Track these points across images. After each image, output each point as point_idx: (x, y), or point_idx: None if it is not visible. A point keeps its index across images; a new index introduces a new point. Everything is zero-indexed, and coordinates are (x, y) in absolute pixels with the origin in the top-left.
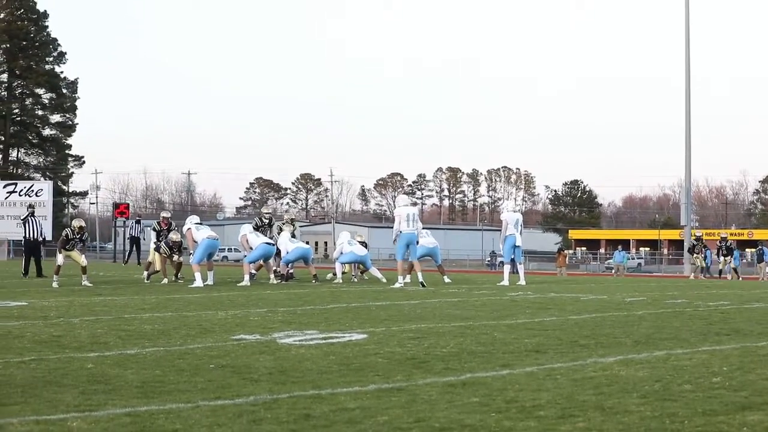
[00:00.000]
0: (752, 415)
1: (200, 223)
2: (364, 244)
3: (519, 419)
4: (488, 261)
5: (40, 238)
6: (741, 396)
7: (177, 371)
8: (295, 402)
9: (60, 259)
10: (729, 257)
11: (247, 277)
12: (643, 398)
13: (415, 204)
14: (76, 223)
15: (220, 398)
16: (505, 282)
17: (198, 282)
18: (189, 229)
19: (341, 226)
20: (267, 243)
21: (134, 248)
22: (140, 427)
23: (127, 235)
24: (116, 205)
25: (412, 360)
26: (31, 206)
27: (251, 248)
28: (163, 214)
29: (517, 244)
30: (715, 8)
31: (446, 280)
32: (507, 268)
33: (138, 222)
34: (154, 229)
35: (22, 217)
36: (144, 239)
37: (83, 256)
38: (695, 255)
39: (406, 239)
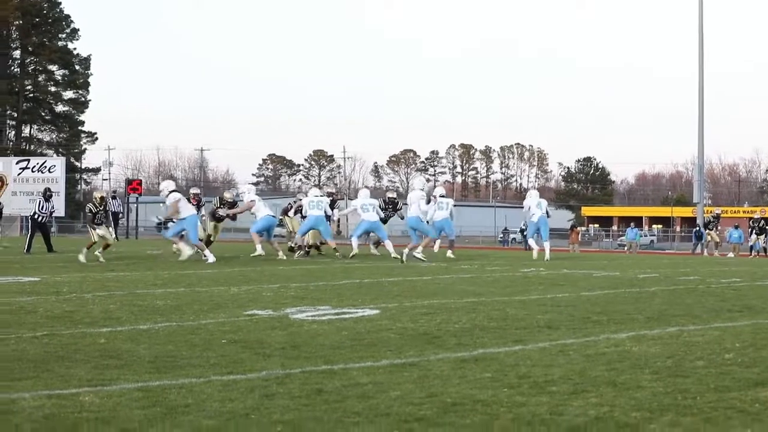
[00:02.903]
0: (764, 391)
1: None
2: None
3: (531, 395)
4: (501, 237)
5: (48, 220)
6: (753, 372)
7: (189, 346)
8: (308, 377)
9: (95, 235)
10: (763, 236)
11: (259, 246)
12: (656, 374)
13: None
14: (96, 194)
15: (232, 373)
16: (548, 256)
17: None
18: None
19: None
20: (270, 215)
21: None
22: (152, 401)
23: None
24: (129, 181)
25: (425, 335)
26: (48, 190)
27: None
28: (193, 190)
29: (537, 224)
30: None
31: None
32: (547, 245)
33: (114, 197)
34: (90, 211)
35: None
36: (122, 215)
37: (111, 230)
38: (710, 231)
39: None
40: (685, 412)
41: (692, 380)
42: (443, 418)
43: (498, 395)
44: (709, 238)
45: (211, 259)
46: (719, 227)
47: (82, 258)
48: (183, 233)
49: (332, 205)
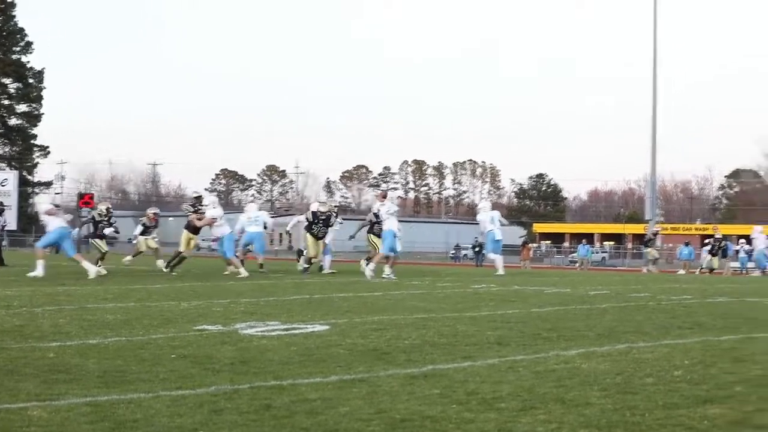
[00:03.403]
0: (713, 408)
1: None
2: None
3: (480, 411)
4: (452, 253)
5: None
6: (702, 389)
7: (138, 361)
8: (256, 392)
9: (103, 246)
10: (722, 257)
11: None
12: (604, 391)
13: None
14: (102, 206)
15: (181, 388)
16: (501, 272)
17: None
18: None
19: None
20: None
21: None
22: (101, 416)
23: None
24: (81, 195)
25: (374, 351)
26: (0, 204)
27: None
28: (151, 210)
29: (497, 239)
30: (683, 3)
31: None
32: (498, 258)
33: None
34: (144, 225)
35: None
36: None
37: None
38: (649, 248)
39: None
40: (633, 429)
41: (641, 397)
42: None
43: (447, 412)
44: (649, 255)
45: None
46: (658, 244)
47: (93, 274)
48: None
49: (328, 222)
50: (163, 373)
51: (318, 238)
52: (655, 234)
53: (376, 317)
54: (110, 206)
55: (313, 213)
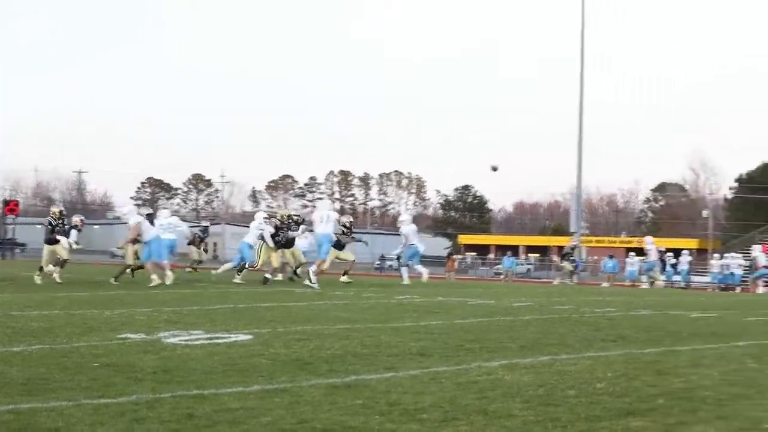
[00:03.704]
0: (635, 421)
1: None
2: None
3: (402, 422)
4: (378, 264)
5: None
6: (624, 402)
7: (61, 369)
8: (178, 401)
9: (65, 253)
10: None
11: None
12: (527, 403)
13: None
14: (54, 208)
15: (104, 397)
16: (425, 277)
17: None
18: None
19: (231, 228)
20: (158, 236)
21: None
22: (23, 424)
23: None
24: (6, 202)
25: (297, 361)
26: None
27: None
28: (77, 217)
29: (419, 251)
30: (608, 14)
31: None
32: (422, 269)
33: None
34: (78, 229)
35: None
36: None
37: (66, 249)
38: (564, 262)
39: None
40: None
41: (563, 409)
42: None
43: (369, 422)
44: (564, 268)
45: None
46: (583, 257)
47: (58, 278)
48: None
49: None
50: (86, 381)
51: (280, 246)
52: (573, 248)
53: (300, 327)
54: (63, 209)
55: (281, 221)
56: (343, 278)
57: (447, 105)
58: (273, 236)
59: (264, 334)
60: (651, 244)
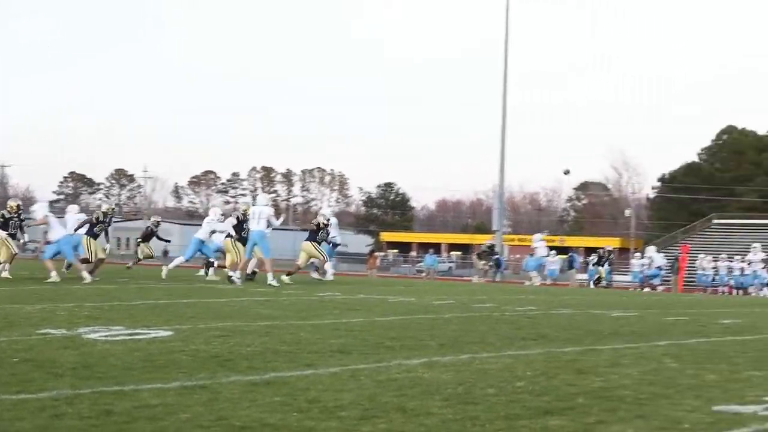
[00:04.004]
0: (554, 420)
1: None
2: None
3: (321, 419)
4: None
5: None
6: (544, 401)
7: None
8: (98, 397)
9: (13, 246)
10: (568, 268)
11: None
12: (446, 401)
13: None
14: (12, 202)
15: (23, 392)
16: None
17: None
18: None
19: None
20: (69, 234)
21: None
22: None
23: None
24: None
25: (217, 358)
26: None
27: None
28: (11, 202)
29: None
30: (530, 16)
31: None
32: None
33: None
34: (3, 217)
35: None
36: None
37: (14, 244)
38: (483, 261)
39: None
40: None
41: (482, 407)
42: None
43: (287, 419)
44: (479, 266)
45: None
46: (498, 255)
47: (6, 274)
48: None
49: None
50: (5, 376)
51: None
52: (490, 247)
53: (220, 324)
54: (20, 203)
55: (244, 214)
56: (285, 277)
57: (370, 102)
58: (236, 230)
59: (184, 330)
60: (539, 241)
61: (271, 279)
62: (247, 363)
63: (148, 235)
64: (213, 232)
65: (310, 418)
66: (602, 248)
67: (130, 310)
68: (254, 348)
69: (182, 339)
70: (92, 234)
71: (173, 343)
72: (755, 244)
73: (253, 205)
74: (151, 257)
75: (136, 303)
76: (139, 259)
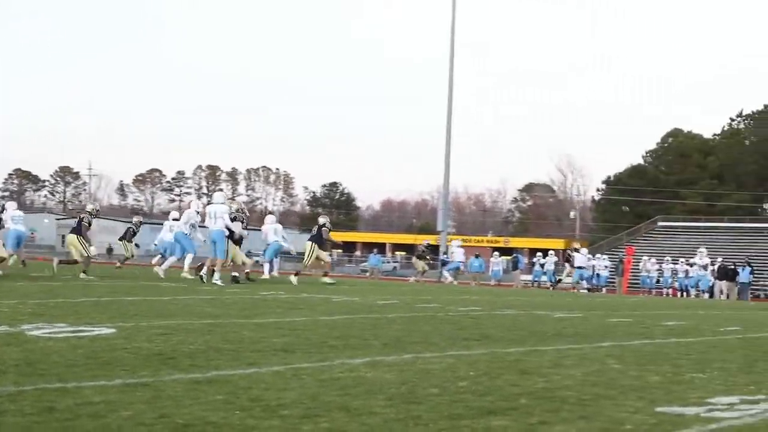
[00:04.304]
0: (497, 420)
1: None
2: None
3: (263, 418)
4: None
5: None
6: (487, 401)
7: None
8: (41, 394)
9: None
10: (513, 269)
11: None
12: (389, 400)
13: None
14: None
15: None
16: (276, 273)
17: None
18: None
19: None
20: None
21: None
22: None
23: None
24: None
25: (159, 356)
26: None
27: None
28: None
29: (283, 249)
30: (476, 16)
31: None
32: (267, 267)
33: None
34: None
35: None
36: None
37: None
38: (419, 260)
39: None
40: None
41: (425, 407)
42: None
43: (229, 418)
44: (418, 267)
45: None
46: (429, 258)
47: None
48: None
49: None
50: None
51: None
52: (428, 246)
53: (164, 321)
54: None
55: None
56: (293, 279)
57: (316, 102)
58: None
59: (127, 327)
60: (457, 247)
61: (217, 278)
62: (189, 361)
63: (129, 235)
64: (193, 225)
65: (253, 417)
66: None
67: (74, 307)
68: (197, 346)
69: (125, 336)
70: (81, 233)
71: (116, 340)
72: (701, 249)
73: (211, 203)
74: (132, 256)
75: (80, 300)
76: (126, 258)
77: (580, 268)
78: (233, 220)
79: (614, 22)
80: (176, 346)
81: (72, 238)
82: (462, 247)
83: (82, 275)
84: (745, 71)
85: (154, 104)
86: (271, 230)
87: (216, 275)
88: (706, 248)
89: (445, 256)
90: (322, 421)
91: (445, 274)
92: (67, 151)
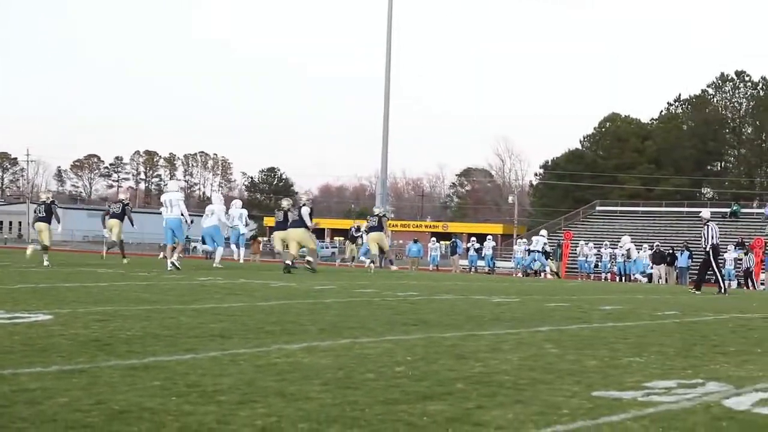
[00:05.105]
0: (433, 405)
1: None
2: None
3: (200, 404)
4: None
5: None
6: (423, 386)
7: None
8: None
9: None
10: (451, 254)
11: None
12: (325, 385)
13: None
14: None
15: None
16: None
17: None
18: None
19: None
20: None
21: None
22: None
23: None
24: None
25: (96, 342)
26: None
27: None
28: None
29: (242, 233)
30: (416, 7)
31: None
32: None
33: None
34: None
35: None
36: None
37: None
38: (351, 244)
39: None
40: (352, 424)
41: (362, 392)
42: (110, 426)
43: (166, 404)
44: (348, 250)
45: None
46: (360, 241)
47: None
48: None
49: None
50: None
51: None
52: (358, 229)
53: (100, 308)
54: None
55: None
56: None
57: (254, 86)
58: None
59: (64, 314)
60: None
61: (176, 260)
62: (126, 347)
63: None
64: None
65: (189, 403)
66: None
67: (11, 293)
68: (134, 332)
69: (62, 323)
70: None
71: (53, 327)
72: (624, 237)
73: (165, 192)
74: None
75: (17, 287)
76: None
77: (532, 252)
78: (303, 206)
79: (553, 6)
80: (113, 332)
81: (43, 225)
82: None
83: (46, 263)
84: (683, 55)
85: (91, 90)
86: (237, 215)
87: (175, 257)
88: (629, 236)
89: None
90: (259, 407)
91: (363, 258)
92: (4, 136)
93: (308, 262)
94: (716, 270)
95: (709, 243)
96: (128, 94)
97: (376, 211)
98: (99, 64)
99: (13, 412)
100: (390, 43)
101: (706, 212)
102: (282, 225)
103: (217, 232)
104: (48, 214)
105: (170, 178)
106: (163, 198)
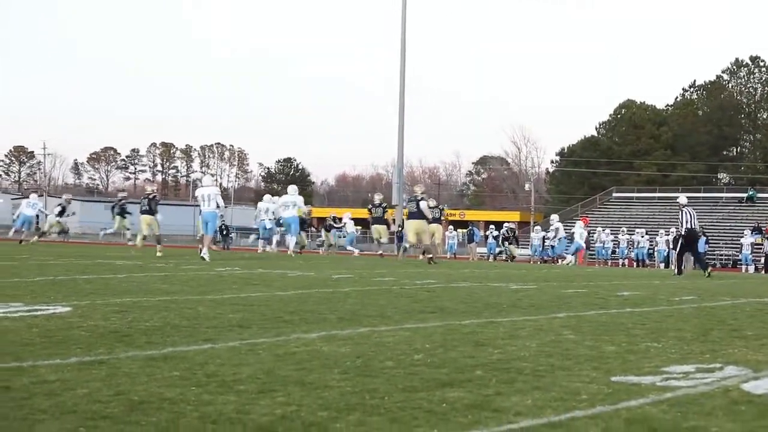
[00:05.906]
0: (452, 392)
1: None
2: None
3: (219, 393)
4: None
5: None
6: (442, 373)
7: None
8: None
9: None
10: (468, 242)
11: None
12: (345, 374)
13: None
14: None
15: None
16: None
17: None
18: None
19: (54, 200)
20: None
21: None
22: None
23: None
24: None
25: (115, 333)
26: None
27: None
28: None
29: (268, 227)
30: None
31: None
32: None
33: None
34: None
35: None
36: None
37: None
38: (328, 233)
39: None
40: (371, 412)
41: (381, 380)
42: (130, 417)
43: (185, 394)
44: (323, 237)
45: None
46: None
47: None
48: None
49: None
50: None
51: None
52: (335, 219)
53: (119, 299)
54: None
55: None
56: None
57: (269, 77)
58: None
59: (83, 306)
60: (348, 219)
61: (205, 253)
62: (145, 338)
63: (121, 212)
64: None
65: (209, 393)
66: (505, 226)
67: (30, 286)
68: (153, 323)
69: (81, 315)
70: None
71: (72, 318)
72: (623, 228)
73: (201, 186)
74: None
75: (36, 279)
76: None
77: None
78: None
79: None
80: (132, 323)
81: (149, 218)
82: (352, 219)
83: (159, 253)
84: (698, 41)
85: (106, 82)
86: (264, 209)
87: (204, 251)
88: (647, 220)
89: (401, 230)
90: (278, 396)
91: (349, 247)
92: (21, 130)
93: (430, 258)
94: (678, 254)
95: (684, 227)
96: (143, 86)
97: (417, 190)
98: (116, 60)
99: (33, 404)
100: (404, 32)
101: (683, 198)
102: (416, 215)
103: (295, 222)
104: (151, 207)
105: (197, 171)
106: (198, 192)
